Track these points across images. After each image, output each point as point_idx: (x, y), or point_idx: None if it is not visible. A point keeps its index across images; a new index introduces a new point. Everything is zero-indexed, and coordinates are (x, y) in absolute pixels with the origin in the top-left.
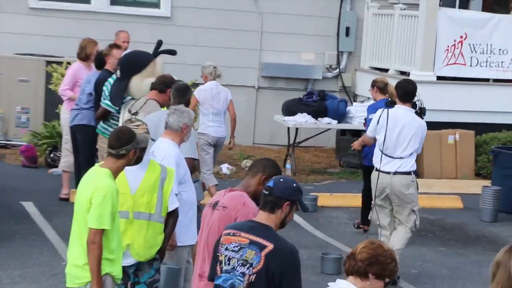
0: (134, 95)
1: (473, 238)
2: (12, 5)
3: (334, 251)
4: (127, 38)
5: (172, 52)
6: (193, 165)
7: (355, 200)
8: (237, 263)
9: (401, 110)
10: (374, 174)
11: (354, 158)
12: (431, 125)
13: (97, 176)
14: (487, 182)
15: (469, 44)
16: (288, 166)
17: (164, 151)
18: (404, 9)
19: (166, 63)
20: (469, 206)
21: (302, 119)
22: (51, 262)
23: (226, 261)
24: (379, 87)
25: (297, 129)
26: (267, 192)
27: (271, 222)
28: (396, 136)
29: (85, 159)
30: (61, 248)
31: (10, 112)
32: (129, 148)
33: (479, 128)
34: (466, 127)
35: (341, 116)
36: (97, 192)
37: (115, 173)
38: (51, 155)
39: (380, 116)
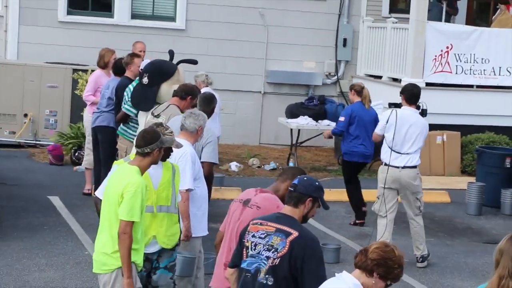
0: (163, 100)
1: (459, 230)
2: (43, 18)
3: (333, 242)
4: (143, 48)
5: (193, 62)
6: (211, 169)
7: None
8: (263, 248)
9: (408, 111)
10: (383, 168)
11: None
12: None
13: (127, 173)
14: (472, 179)
15: (455, 54)
16: (291, 164)
17: (181, 150)
18: (396, 23)
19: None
20: (456, 201)
21: (304, 121)
22: (75, 252)
23: (252, 246)
24: (356, 90)
25: (299, 130)
26: (292, 189)
27: (295, 215)
28: (403, 134)
29: (105, 157)
30: (84, 239)
31: (40, 115)
32: (153, 147)
33: (464, 130)
34: (452, 128)
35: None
36: (128, 187)
37: (142, 170)
38: (76, 154)
39: (389, 116)
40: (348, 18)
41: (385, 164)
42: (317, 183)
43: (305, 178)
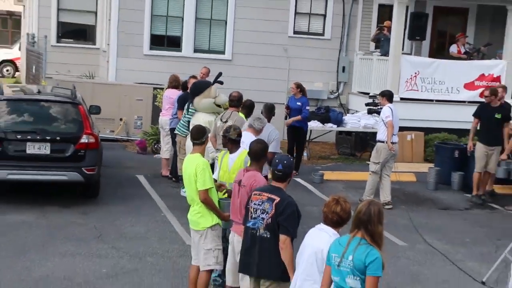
0: (198, 108)
1: (422, 200)
2: (133, 52)
3: None
4: (205, 71)
5: (218, 75)
6: (272, 158)
7: (348, 175)
8: (260, 212)
9: (393, 106)
10: (385, 145)
11: (346, 149)
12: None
13: (194, 159)
14: (431, 165)
15: (420, 78)
16: (305, 154)
17: (247, 141)
18: (379, 55)
19: (231, 89)
20: (420, 180)
21: (314, 124)
22: (155, 213)
23: (254, 211)
24: (302, 89)
25: (311, 130)
26: (280, 173)
27: (282, 185)
28: (396, 121)
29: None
30: (161, 205)
31: (130, 119)
32: (206, 136)
33: (427, 131)
34: (418, 130)
35: (339, 122)
36: (198, 167)
37: (202, 154)
38: (155, 146)
39: (390, 111)
40: (346, 52)
41: (386, 142)
42: (291, 163)
43: (285, 162)
